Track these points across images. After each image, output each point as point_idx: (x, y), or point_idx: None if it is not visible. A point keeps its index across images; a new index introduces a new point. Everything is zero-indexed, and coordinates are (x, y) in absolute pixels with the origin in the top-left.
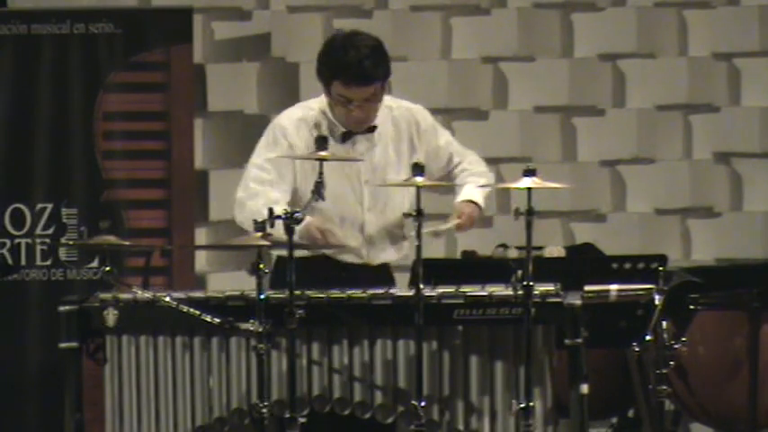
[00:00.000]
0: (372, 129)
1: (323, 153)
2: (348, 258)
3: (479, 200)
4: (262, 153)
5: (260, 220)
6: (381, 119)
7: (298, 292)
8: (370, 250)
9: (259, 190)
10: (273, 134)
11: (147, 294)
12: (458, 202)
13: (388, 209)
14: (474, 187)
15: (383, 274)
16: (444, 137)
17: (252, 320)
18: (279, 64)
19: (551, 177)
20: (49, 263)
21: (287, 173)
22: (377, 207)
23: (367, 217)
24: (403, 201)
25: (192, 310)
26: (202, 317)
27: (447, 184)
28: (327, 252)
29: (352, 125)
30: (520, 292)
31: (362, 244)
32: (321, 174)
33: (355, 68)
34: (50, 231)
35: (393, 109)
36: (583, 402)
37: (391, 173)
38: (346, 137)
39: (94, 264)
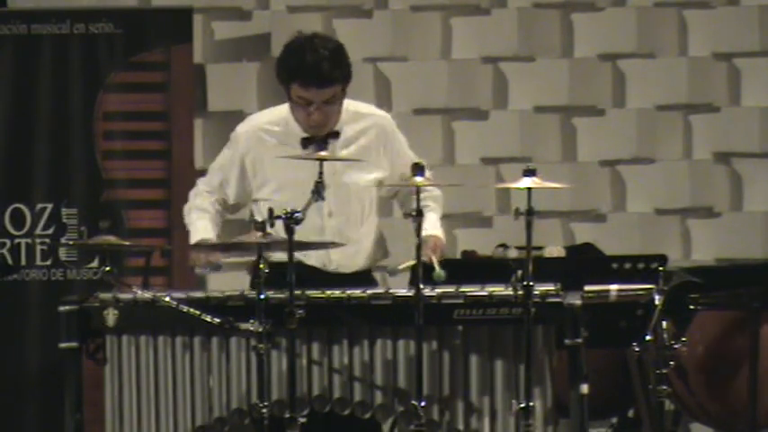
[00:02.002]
0: (335, 134)
1: (323, 153)
2: (313, 263)
3: (440, 233)
4: (219, 156)
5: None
6: (347, 124)
7: (298, 292)
8: (333, 257)
9: (199, 190)
10: (230, 140)
11: (147, 294)
12: (426, 236)
13: (350, 215)
14: (435, 219)
15: (360, 281)
16: (406, 149)
17: (252, 320)
18: None
19: (551, 177)
20: (49, 263)
21: (228, 181)
22: (337, 213)
23: (327, 223)
24: (363, 207)
25: (192, 310)
26: (202, 317)
27: (445, 184)
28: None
29: (313, 129)
30: (520, 292)
31: (324, 251)
32: (321, 174)
33: (314, 70)
34: (50, 231)
35: (360, 115)
36: (583, 402)
37: (352, 179)
38: (307, 142)
39: (94, 264)
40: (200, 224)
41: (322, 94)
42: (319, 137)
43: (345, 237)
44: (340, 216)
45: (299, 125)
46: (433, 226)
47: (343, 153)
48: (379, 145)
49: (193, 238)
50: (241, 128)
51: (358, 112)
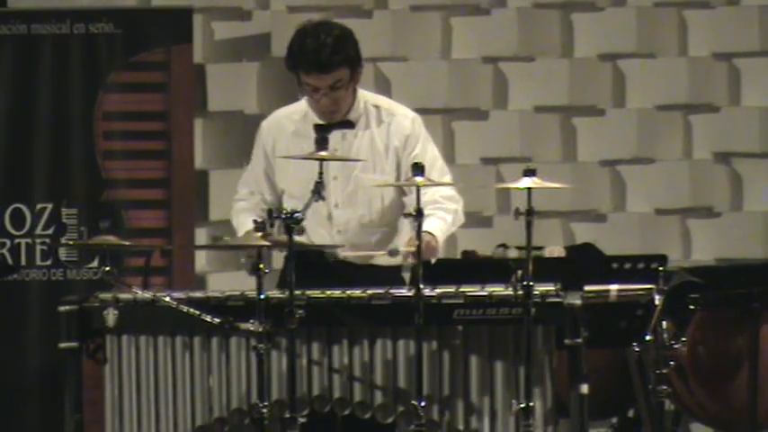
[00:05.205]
0: (349, 124)
1: (322, 153)
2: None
3: (438, 233)
4: (252, 155)
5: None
6: (364, 116)
7: (298, 292)
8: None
9: (239, 195)
10: (256, 136)
11: (147, 294)
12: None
13: (360, 204)
14: (437, 221)
15: (391, 276)
16: (429, 153)
17: (252, 320)
18: (279, 64)
19: (551, 177)
20: (49, 263)
21: (259, 177)
22: (347, 202)
23: (335, 212)
24: (376, 196)
25: (191, 310)
26: (202, 317)
27: (449, 183)
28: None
29: (325, 115)
30: (520, 292)
31: (331, 239)
32: (321, 174)
33: (313, 56)
34: (50, 231)
35: (382, 110)
36: (583, 402)
37: (362, 171)
38: (320, 129)
39: (94, 264)
40: (244, 219)
41: (326, 80)
42: (333, 124)
43: (351, 227)
44: (347, 208)
45: (314, 113)
46: (430, 226)
47: (354, 149)
48: (392, 140)
49: (240, 233)
50: (264, 122)
51: (379, 106)
